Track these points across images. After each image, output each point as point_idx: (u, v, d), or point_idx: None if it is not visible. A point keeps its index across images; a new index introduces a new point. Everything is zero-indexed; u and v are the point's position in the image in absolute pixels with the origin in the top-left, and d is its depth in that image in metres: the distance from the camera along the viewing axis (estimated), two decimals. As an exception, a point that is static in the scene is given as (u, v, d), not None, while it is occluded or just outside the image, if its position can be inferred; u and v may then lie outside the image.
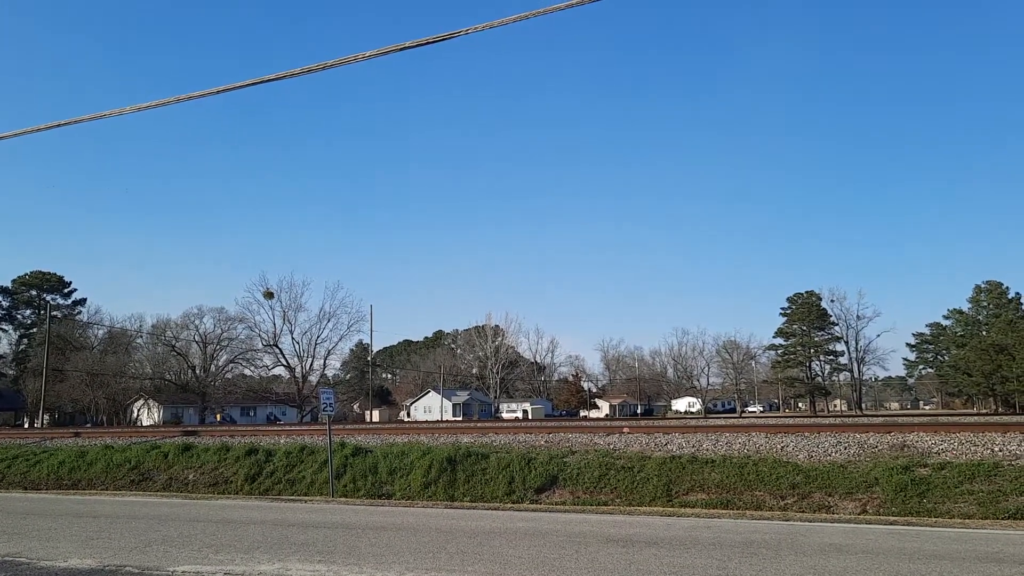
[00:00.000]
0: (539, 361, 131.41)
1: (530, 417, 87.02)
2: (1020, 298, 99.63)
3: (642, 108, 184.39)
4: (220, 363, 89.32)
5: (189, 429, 29.29)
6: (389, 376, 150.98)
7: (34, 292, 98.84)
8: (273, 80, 10.75)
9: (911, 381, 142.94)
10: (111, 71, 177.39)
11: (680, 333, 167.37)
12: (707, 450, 17.18)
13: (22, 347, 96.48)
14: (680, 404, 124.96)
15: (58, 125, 12.50)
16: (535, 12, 9.16)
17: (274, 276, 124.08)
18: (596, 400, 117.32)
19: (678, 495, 15.35)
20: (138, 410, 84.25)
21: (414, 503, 16.18)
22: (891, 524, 11.73)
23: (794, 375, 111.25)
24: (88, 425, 68.18)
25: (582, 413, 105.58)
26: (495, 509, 14.70)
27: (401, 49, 9.93)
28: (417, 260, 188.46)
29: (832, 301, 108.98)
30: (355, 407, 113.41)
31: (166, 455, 21.47)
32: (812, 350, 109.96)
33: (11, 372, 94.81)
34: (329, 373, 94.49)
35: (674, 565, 8.36)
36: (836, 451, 16.14)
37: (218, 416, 79.98)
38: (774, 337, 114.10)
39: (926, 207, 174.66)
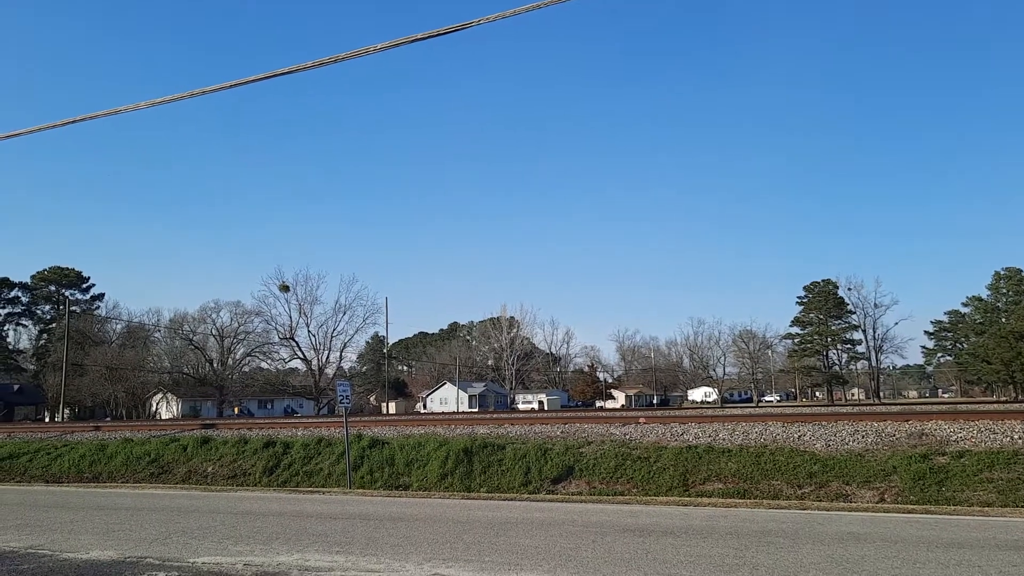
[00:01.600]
0: (554, 352, 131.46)
1: (546, 408, 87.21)
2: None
3: (656, 99, 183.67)
4: (237, 356, 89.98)
5: (207, 422, 29.53)
6: (405, 368, 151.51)
7: (53, 288, 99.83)
8: (285, 74, 10.78)
9: (929, 369, 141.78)
10: (126, 67, 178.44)
11: (696, 323, 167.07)
12: (724, 440, 17.13)
13: (42, 342, 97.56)
14: (696, 394, 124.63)
15: (72, 122, 12.59)
16: (551, 1, 9.12)
17: (290, 269, 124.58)
18: (612, 391, 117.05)
19: (695, 485, 15.32)
20: (157, 404, 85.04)
21: (431, 494, 16.23)
22: (909, 513, 11.67)
23: (811, 364, 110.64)
24: (108, 419, 68.89)
25: (598, 404, 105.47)
26: (512, 500, 14.74)
27: (412, 41, 9.93)
28: (432, 252, 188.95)
29: (849, 289, 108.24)
30: (371, 399, 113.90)
31: (185, 448, 21.65)
32: (829, 339, 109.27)
33: (31, 367, 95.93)
34: (345, 366, 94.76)
35: (691, 554, 8.36)
36: (854, 440, 16.06)
37: (236, 409, 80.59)
38: (791, 326, 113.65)
39: (944, 193, 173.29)
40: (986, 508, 12.26)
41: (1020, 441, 14.63)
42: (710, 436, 17.53)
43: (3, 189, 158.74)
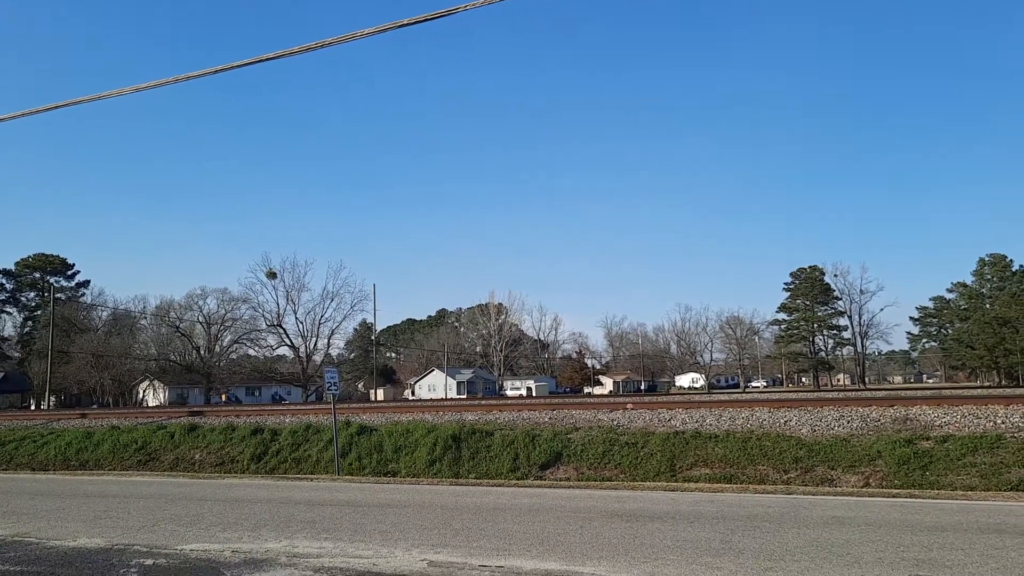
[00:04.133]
0: (543, 339, 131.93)
1: (534, 394, 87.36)
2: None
3: (642, 84, 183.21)
4: (224, 343, 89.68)
5: (195, 409, 29.43)
6: (393, 355, 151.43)
7: (38, 274, 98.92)
8: (272, 59, 10.69)
9: (914, 355, 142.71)
10: (110, 52, 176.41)
11: (683, 309, 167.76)
12: (710, 425, 17.23)
13: (27, 329, 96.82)
14: (684, 380, 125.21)
15: (56, 107, 12.45)
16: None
17: (277, 256, 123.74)
18: (600, 377, 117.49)
19: (682, 470, 15.41)
20: (143, 391, 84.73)
21: (419, 480, 16.27)
22: (894, 497, 11.79)
23: (797, 350, 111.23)
24: (94, 406, 68.56)
25: (586, 390, 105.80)
26: (500, 486, 14.79)
27: (400, 26, 9.86)
28: (420, 239, 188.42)
29: (835, 275, 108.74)
30: (359, 386, 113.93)
31: (172, 435, 21.60)
32: (815, 325, 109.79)
33: (16, 355, 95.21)
34: (333, 352, 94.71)
35: (678, 539, 8.41)
36: (839, 425, 16.19)
37: (223, 396, 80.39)
38: (777, 312, 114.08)
39: (929, 180, 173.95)
40: (969, 492, 12.40)
41: (1003, 426, 14.79)
42: (697, 422, 17.63)
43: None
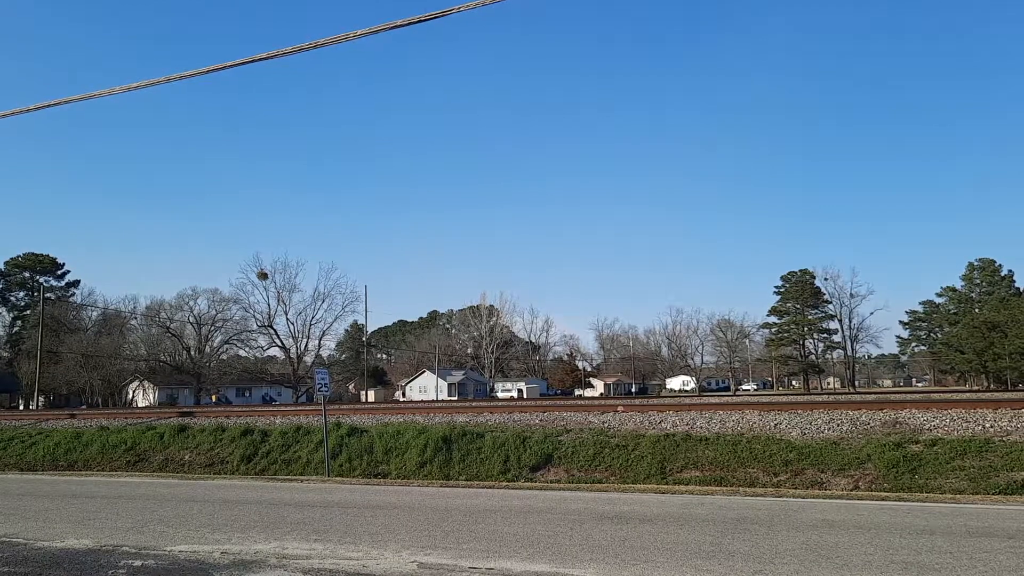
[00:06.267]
0: (534, 341, 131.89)
1: (525, 396, 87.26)
2: (1013, 275, 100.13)
3: (636, 87, 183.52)
4: (215, 344, 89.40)
5: (184, 410, 29.32)
6: (384, 356, 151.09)
7: (27, 274, 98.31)
8: (264, 59, 10.67)
9: (904, 359, 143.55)
10: (102, 51, 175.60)
11: (674, 312, 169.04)
12: (701, 428, 17.27)
13: (16, 329, 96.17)
14: (674, 383, 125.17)
15: (46, 106, 12.39)
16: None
17: (268, 257, 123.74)
18: (591, 379, 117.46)
19: (672, 473, 15.43)
20: (133, 392, 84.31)
21: (410, 482, 16.22)
22: (883, 500, 11.81)
23: (788, 353, 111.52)
24: (83, 407, 68.28)
25: (577, 392, 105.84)
26: (490, 488, 14.75)
27: (393, 27, 9.85)
28: (411, 241, 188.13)
29: (826, 279, 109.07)
30: (350, 387, 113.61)
31: (162, 436, 21.50)
32: (806, 328, 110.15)
33: (5, 354, 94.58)
34: (324, 354, 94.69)
35: (668, 541, 8.42)
36: (829, 428, 16.25)
37: (213, 397, 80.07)
38: (768, 315, 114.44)
39: (919, 184, 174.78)
40: (958, 495, 12.45)
41: (991, 430, 14.87)
42: (687, 424, 17.66)
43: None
